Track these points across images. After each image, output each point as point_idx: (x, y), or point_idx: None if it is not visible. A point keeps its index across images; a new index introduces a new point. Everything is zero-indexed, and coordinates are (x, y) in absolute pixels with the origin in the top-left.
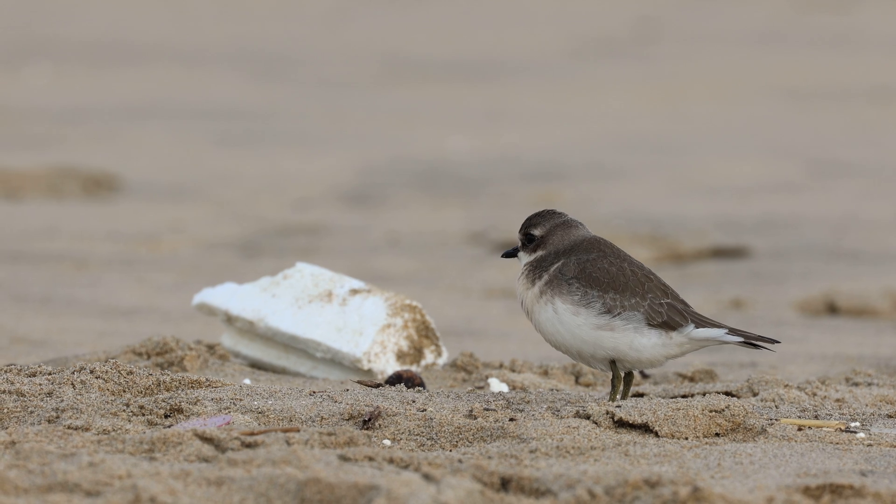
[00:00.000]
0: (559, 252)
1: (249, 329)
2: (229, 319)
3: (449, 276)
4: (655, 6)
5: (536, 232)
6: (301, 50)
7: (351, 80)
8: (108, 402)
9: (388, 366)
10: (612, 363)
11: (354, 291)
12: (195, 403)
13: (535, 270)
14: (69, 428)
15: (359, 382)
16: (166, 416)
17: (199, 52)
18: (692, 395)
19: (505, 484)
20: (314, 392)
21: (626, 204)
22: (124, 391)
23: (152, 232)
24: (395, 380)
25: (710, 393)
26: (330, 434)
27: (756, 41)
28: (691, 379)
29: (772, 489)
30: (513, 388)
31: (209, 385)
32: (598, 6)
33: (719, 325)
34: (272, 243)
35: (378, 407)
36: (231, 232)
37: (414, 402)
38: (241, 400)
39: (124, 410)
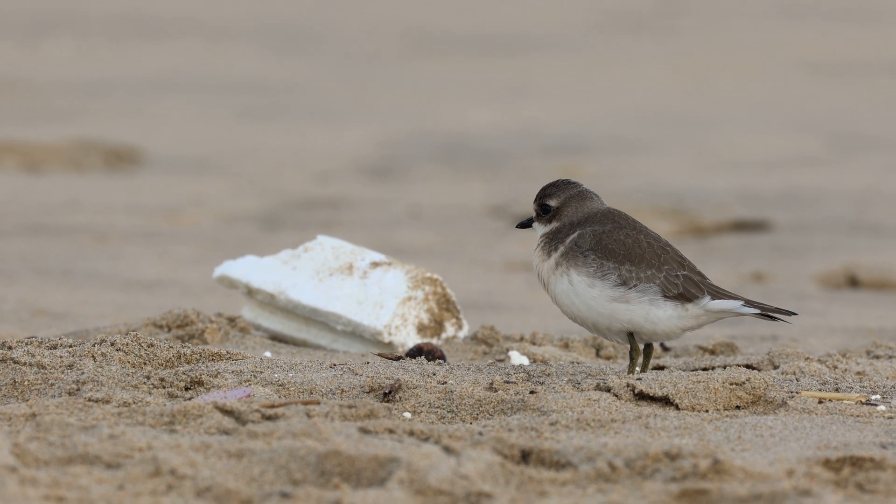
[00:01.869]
0: (574, 223)
1: (270, 302)
2: (250, 292)
3: (470, 249)
4: None
5: (552, 203)
6: (324, 24)
7: (374, 54)
8: (128, 375)
9: (409, 339)
10: (630, 336)
11: (375, 264)
12: (216, 376)
13: (551, 242)
14: (90, 400)
15: (379, 355)
16: (187, 389)
17: (222, 25)
18: (713, 368)
19: (525, 456)
20: (334, 365)
21: (647, 177)
22: (145, 364)
23: (174, 205)
24: (415, 352)
25: (730, 366)
26: (350, 407)
27: (779, 15)
28: (712, 352)
29: (792, 462)
30: (533, 360)
31: (230, 358)
32: None
33: (736, 297)
34: (293, 216)
35: (398, 380)
36: (252, 205)
37: (434, 374)
38: (261, 372)
39: (145, 383)
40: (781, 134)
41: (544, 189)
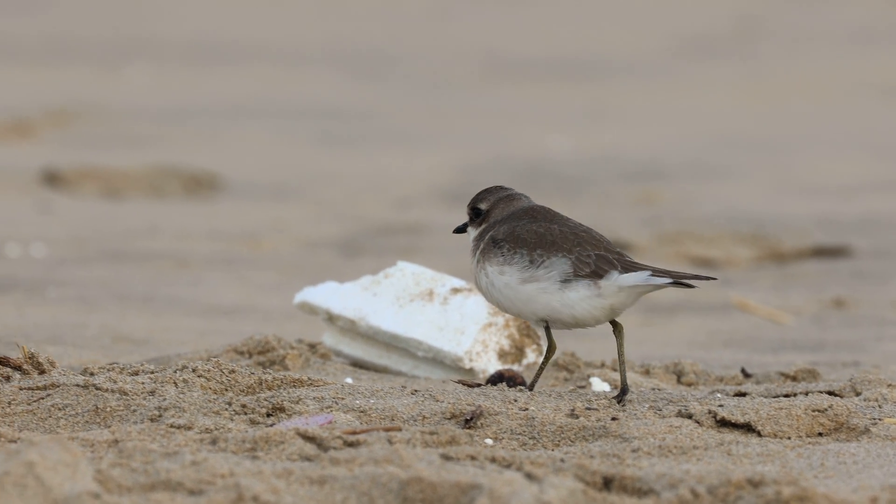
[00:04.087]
0: (498, 222)
1: (351, 328)
2: (331, 318)
3: None
4: (756, 5)
5: (482, 206)
6: (402, 48)
7: (452, 79)
8: (210, 401)
9: (490, 364)
10: (547, 329)
11: (456, 290)
12: (297, 402)
13: (476, 243)
14: (172, 426)
15: (460, 382)
16: (268, 415)
17: (299, 50)
18: (794, 395)
19: (607, 483)
20: (416, 391)
21: (727, 203)
22: (226, 390)
23: (253, 231)
24: (496, 379)
25: (812, 392)
26: (432, 433)
27: (856, 40)
28: (793, 378)
29: (875, 489)
30: (614, 387)
31: (311, 384)
32: (698, 5)
33: (644, 267)
34: (373, 242)
35: (480, 406)
36: (332, 231)
37: (516, 401)
38: (342, 399)
39: (227, 409)
40: (860, 159)
41: (476, 195)
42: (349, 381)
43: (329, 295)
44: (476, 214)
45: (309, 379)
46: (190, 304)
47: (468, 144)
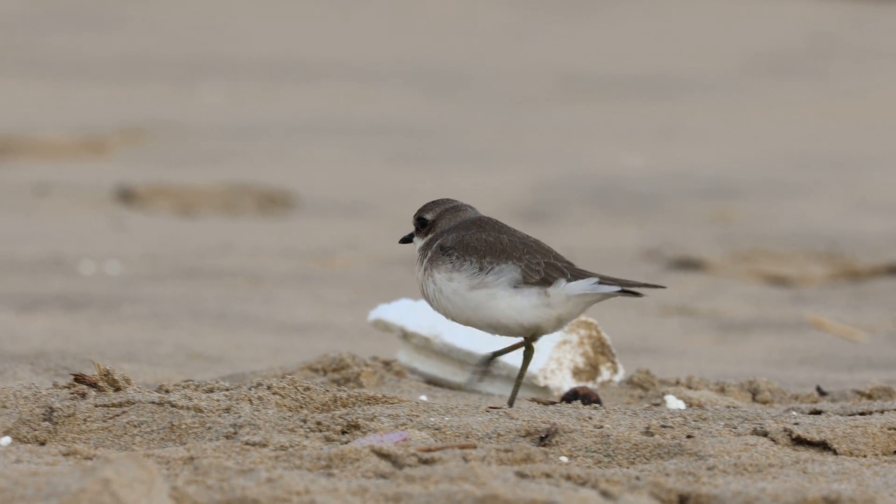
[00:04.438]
0: (445, 232)
1: (425, 345)
2: (405, 336)
3: None
4: (830, 21)
5: (428, 216)
6: (475, 66)
7: (525, 96)
8: (285, 418)
9: (565, 382)
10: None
11: None
12: (372, 419)
13: (423, 252)
14: (247, 444)
15: (533, 400)
16: (343, 433)
17: (372, 68)
18: (870, 413)
19: (683, 501)
20: (491, 408)
21: (801, 221)
22: (301, 407)
23: (327, 248)
24: (571, 396)
25: (888, 410)
26: (507, 451)
27: None
28: (869, 396)
29: None
30: (689, 405)
31: (386, 401)
32: (771, 22)
33: (591, 275)
34: None
35: (555, 423)
36: (405, 248)
37: (591, 418)
38: (417, 416)
39: (301, 426)
40: None
41: (422, 206)
42: (424, 398)
43: (403, 312)
44: (421, 224)
45: (384, 396)
46: (264, 322)
47: (541, 162)
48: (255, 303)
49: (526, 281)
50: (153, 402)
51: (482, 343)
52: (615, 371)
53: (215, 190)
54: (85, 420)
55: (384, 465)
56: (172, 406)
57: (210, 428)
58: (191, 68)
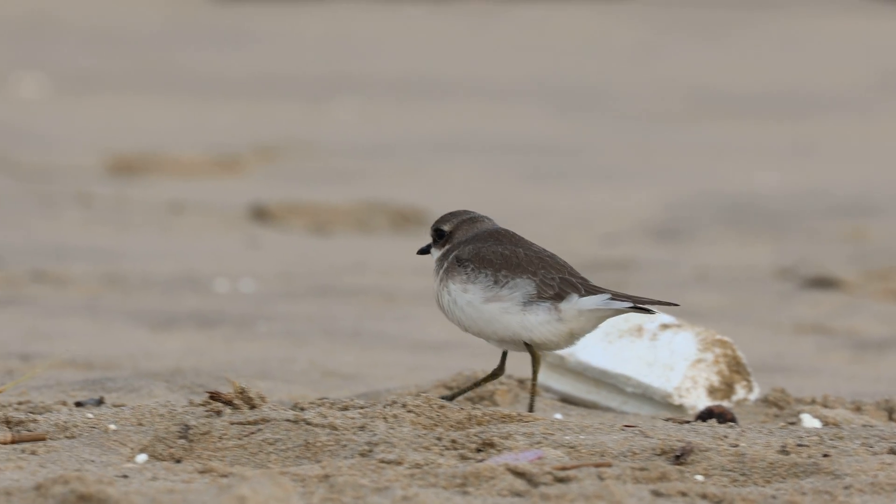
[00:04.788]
0: (462, 243)
1: (560, 363)
2: None
3: (758, 311)
4: None
5: (445, 227)
6: (608, 83)
7: (658, 114)
8: (420, 436)
9: (699, 401)
10: (504, 354)
11: (665, 326)
12: (507, 438)
13: (440, 263)
14: (382, 462)
15: (669, 419)
16: (478, 450)
17: (505, 85)
18: None
19: None
20: (626, 427)
21: None
22: (436, 425)
23: None
24: (706, 415)
25: None
26: (642, 469)
27: None
28: None
29: None
30: (825, 423)
31: (520, 419)
32: None
33: (603, 291)
34: None
35: (690, 442)
36: None
37: (726, 437)
38: (552, 434)
39: (436, 444)
40: None
41: (441, 216)
42: (558, 416)
43: None
44: (439, 235)
45: (518, 414)
46: (397, 340)
47: (674, 180)
48: (388, 321)
49: (540, 296)
50: (288, 420)
51: (616, 361)
52: (750, 390)
53: (349, 208)
54: (220, 437)
55: (519, 484)
56: (307, 424)
57: (345, 446)
58: (324, 86)
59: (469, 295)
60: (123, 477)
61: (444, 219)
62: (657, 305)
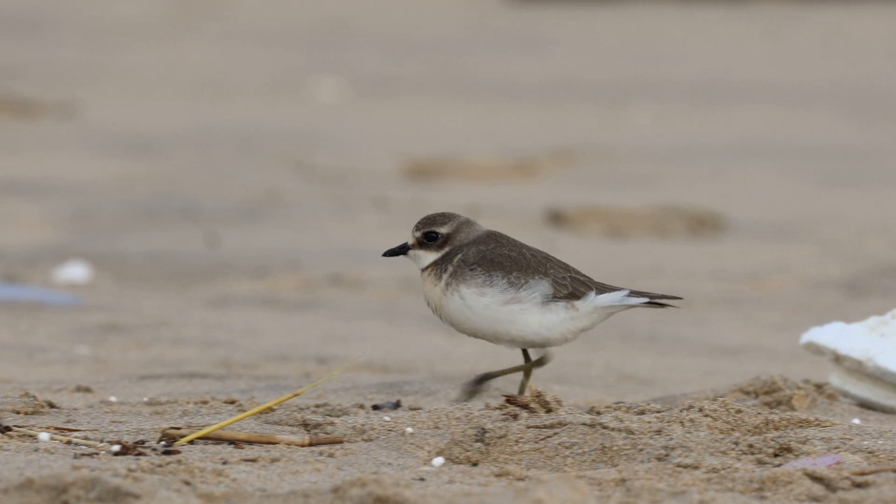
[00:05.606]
0: (465, 246)
1: (857, 369)
2: (837, 359)
3: None
4: None
5: (443, 230)
6: None
7: None
8: (716, 441)
9: None
10: (523, 350)
11: None
12: (804, 443)
13: (439, 267)
14: (679, 466)
15: None
16: (775, 455)
17: (802, 90)
18: None
19: None
20: None
21: None
22: (733, 430)
23: (756, 271)
24: None
25: None
26: None
27: None
28: None
29: None
30: None
31: (818, 424)
32: None
33: (619, 289)
34: (879, 283)
35: None
36: (836, 271)
37: None
38: (850, 440)
39: (733, 449)
40: None
41: (430, 219)
42: (856, 421)
43: (835, 335)
44: (430, 238)
45: (816, 419)
46: (694, 344)
47: None
48: (685, 325)
49: (556, 295)
50: (584, 424)
51: None
52: None
53: (645, 212)
54: (517, 441)
55: (817, 489)
56: (604, 428)
57: (641, 450)
58: (620, 91)
59: (486, 298)
60: (420, 480)
61: (436, 221)
62: (670, 300)
